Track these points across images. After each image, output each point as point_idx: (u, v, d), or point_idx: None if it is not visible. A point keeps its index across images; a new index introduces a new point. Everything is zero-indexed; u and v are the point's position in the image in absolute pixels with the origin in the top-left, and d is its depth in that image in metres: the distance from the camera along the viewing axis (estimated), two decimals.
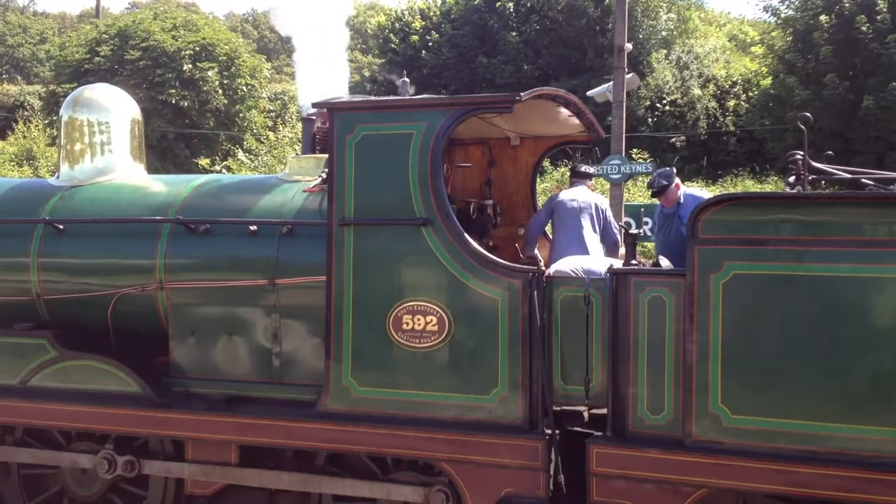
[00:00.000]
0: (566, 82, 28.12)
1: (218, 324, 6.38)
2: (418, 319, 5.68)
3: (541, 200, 8.25)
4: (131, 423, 6.35)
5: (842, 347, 4.87)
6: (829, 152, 6.98)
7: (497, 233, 7.54)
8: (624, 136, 20.03)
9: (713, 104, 30.29)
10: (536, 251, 7.32)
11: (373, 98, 7.69)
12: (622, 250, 7.18)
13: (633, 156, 24.32)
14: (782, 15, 26.32)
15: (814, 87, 23.51)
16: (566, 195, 7.63)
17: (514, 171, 7.87)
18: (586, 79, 28.17)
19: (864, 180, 6.09)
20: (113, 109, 7.35)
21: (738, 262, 5.06)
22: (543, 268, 5.70)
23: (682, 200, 7.26)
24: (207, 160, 27.36)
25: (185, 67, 27.55)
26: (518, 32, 30.97)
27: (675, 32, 33.21)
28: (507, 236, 7.65)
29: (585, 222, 7.41)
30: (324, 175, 6.32)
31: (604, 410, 5.54)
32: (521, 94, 5.68)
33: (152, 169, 10.25)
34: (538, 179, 8.71)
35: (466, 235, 5.67)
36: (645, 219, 17.87)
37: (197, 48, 28.16)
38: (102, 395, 6.44)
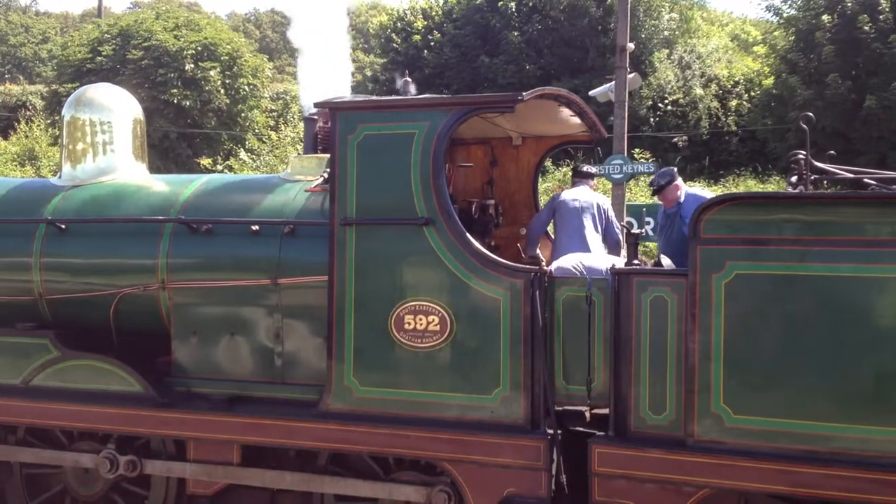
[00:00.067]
0: (568, 82, 28.09)
1: (220, 323, 6.39)
2: (420, 319, 5.68)
3: (542, 200, 8.24)
4: (133, 422, 6.35)
5: (844, 347, 4.86)
6: (832, 152, 6.97)
7: (499, 232, 7.54)
8: (626, 135, 20.01)
9: (715, 104, 30.27)
10: (538, 251, 7.31)
11: (375, 98, 7.70)
12: (624, 250, 7.18)
13: (635, 156, 24.29)
14: (784, 14, 26.29)
15: (816, 86, 23.49)
16: (568, 195, 7.63)
17: (516, 170, 7.87)
18: (588, 78, 28.13)
19: (866, 180, 6.09)
20: (115, 109, 7.36)
21: (740, 261, 5.05)
22: (545, 268, 5.70)
23: (681, 200, 7.25)
24: (209, 160, 27.35)
25: (187, 67, 27.55)
26: (520, 32, 30.94)
27: (677, 32, 33.19)
28: (508, 236, 7.65)
29: (587, 222, 7.41)
30: (326, 175, 6.32)
31: (606, 410, 5.53)
32: (523, 93, 5.68)
33: (154, 169, 10.24)
34: (540, 179, 8.71)
35: (468, 235, 5.67)
36: (647, 219, 17.81)
37: (199, 48, 28.16)
38: (104, 394, 6.45)
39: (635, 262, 5.73)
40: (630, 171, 19.52)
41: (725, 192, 12.86)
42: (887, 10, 23.03)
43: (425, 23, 33.59)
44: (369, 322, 5.77)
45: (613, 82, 19.85)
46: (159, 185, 7.09)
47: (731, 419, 5.06)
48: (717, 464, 5.08)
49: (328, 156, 6.23)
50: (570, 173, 9.58)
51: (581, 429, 5.83)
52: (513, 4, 31.32)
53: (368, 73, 35.73)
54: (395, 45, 33.84)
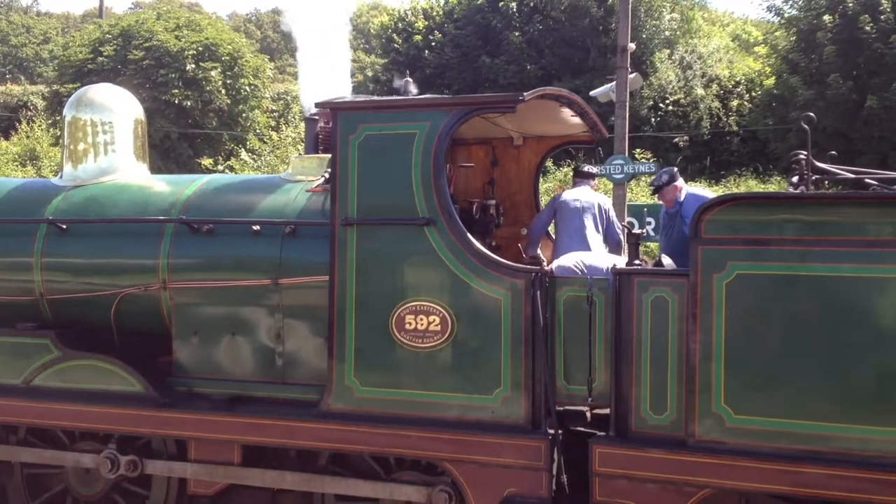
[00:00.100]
0: (569, 82, 28.08)
1: (221, 323, 6.39)
2: (421, 319, 5.68)
3: (543, 200, 8.24)
4: (134, 422, 6.36)
5: (845, 347, 4.86)
6: (833, 152, 6.97)
7: (500, 233, 7.54)
8: (627, 136, 20.00)
9: (716, 104, 30.26)
10: (539, 251, 7.31)
11: (376, 98, 7.70)
12: (625, 250, 7.18)
13: (636, 156, 24.27)
14: (786, 15, 26.29)
15: (817, 86, 23.48)
16: (569, 195, 7.63)
17: (517, 170, 7.87)
18: (589, 79, 28.11)
19: (867, 180, 6.08)
20: (116, 109, 7.36)
21: (741, 262, 5.06)
22: (546, 268, 5.70)
23: (681, 199, 7.24)
24: (210, 160, 27.37)
25: (188, 67, 27.56)
26: (521, 32, 30.94)
27: (678, 32, 33.18)
28: (509, 236, 7.65)
29: (588, 222, 7.40)
30: (327, 175, 6.31)
31: (606, 410, 5.54)
32: (525, 94, 5.68)
33: (155, 169, 10.24)
34: (541, 179, 8.71)
35: (469, 235, 5.68)
36: (648, 219, 17.80)
37: (200, 48, 28.17)
38: (105, 394, 6.45)
39: (636, 262, 5.73)
40: (631, 172, 19.50)
41: (726, 193, 12.86)
42: (888, 10, 23.02)
43: (426, 23, 33.60)
44: (370, 322, 5.77)
45: (614, 82, 19.83)
46: (160, 185, 7.09)
47: (732, 419, 5.06)
48: (718, 464, 5.09)
49: (329, 156, 6.24)
50: (571, 173, 9.58)
51: (582, 429, 5.83)
52: (514, 5, 31.31)
53: (369, 74, 35.73)
54: (396, 45, 33.85)
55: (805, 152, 5.89)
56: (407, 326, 5.70)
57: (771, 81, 27.03)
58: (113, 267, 6.67)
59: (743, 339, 5.04)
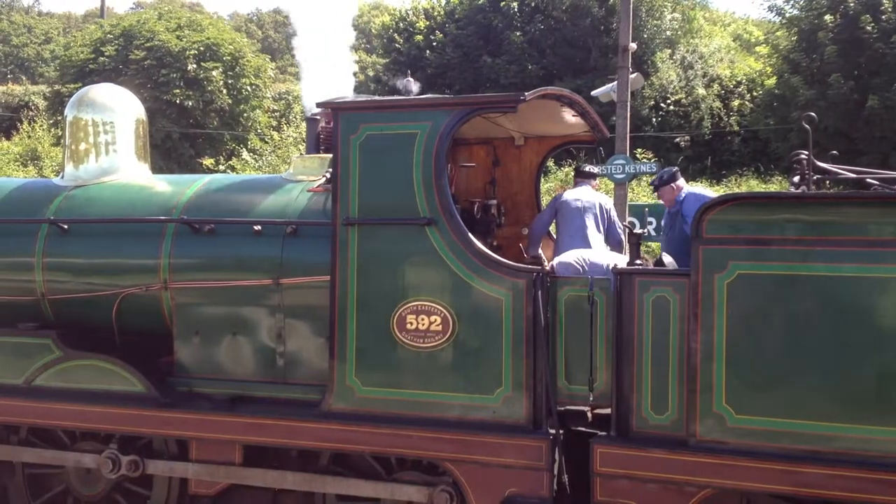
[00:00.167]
0: (570, 82, 28.09)
1: (222, 323, 6.39)
2: (422, 319, 5.68)
3: (545, 200, 8.24)
4: (135, 422, 6.36)
5: (846, 347, 4.86)
6: (834, 152, 6.97)
7: (501, 233, 7.54)
8: (628, 135, 19.99)
9: (717, 104, 30.26)
10: (540, 251, 7.31)
11: (377, 98, 7.70)
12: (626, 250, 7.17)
13: (638, 156, 24.28)
14: (787, 14, 26.29)
15: (818, 86, 23.48)
16: (570, 195, 7.63)
17: (519, 170, 7.87)
18: (590, 79, 28.12)
19: (868, 180, 6.08)
20: (117, 109, 7.36)
21: (742, 262, 5.05)
22: (547, 268, 5.69)
23: (680, 199, 7.23)
24: (212, 160, 27.39)
25: (189, 67, 27.58)
26: (522, 32, 30.94)
27: (679, 32, 33.18)
28: (510, 236, 7.64)
29: (589, 222, 7.41)
30: (328, 175, 6.31)
31: (608, 410, 5.54)
32: (526, 93, 5.67)
33: (157, 169, 10.25)
34: (542, 179, 8.72)
35: (470, 235, 5.67)
36: (649, 219, 17.82)
37: (201, 48, 28.18)
38: (107, 394, 6.45)
39: (637, 262, 5.72)
40: (632, 172, 19.50)
41: (728, 192, 12.86)
42: (890, 10, 23.02)
43: (427, 23, 33.61)
44: (371, 322, 5.77)
45: (616, 82, 19.82)
46: (162, 185, 7.09)
47: (734, 419, 5.06)
48: (720, 464, 5.08)
49: (330, 156, 6.24)
50: (573, 173, 9.58)
51: (583, 429, 5.83)
52: (515, 4, 31.32)
53: (371, 74, 35.72)
54: (397, 45, 33.86)
55: (806, 152, 5.89)
56: (408, 326, 5.70)
57: (772, 81, 27.03)
58: (114, 267, 6.67)
59: (744, 338, 5.04)
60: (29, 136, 30.09)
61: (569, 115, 7.00)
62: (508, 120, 7.03)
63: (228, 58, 28.89)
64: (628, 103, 19.87)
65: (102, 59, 27.95)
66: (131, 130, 7.41)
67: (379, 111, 5.94)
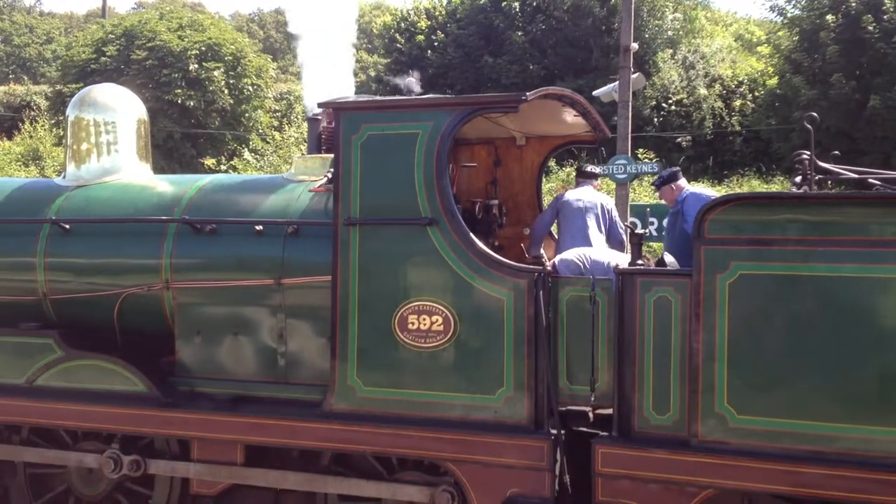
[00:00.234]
0: (572, 82, 28.08)
1: (223, 323, 6.39)
2: (424, 319, 5.68)
3: (546, 200, 8.24)
4: (137, 422, 6.36)
5: (848, 348, 4.86)
6: (836, 152, 6.96)
7: (502, 233, 7.54)
8: (630, 135, 19.98)
9: (719, 104, 30.25)
10: (542, 251, 7.31)
11: (378, 98, 7.70)
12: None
13: (639, 156, 24.27)
14: (788, 14, 26.28)
15: (820, 86, 23.46)
16: (572, 195, 7.62)
17: (520, 170, 7.87)
18: (592, 78, 28.11)
19: (870, 180, 6.08)
20: (119, 109, 7.37)
21: (744, 262, 5.05)
22: (549, 268, 5.69)
23: (680, 199, 7.23)
24: (213, 160, 27.40)
25: (190, 67, 27.58)
26: (524, 32, 30.94)
27: (681, 32, 33.17)
28: (512, 236, 7.64)
29: (591, 222, 7.40)
30: (329, 175, 6.32)
31: (609, 410, 5.54)
32: (527, 93, 5.67)
33: (158, 169, 10.26)
34: (544, 179, 8.72)
35: (472, 235, 5.67)
36: (651, 219, 17.82)
37: (203, 48, 28.18)
38: (108, 394, 6.45)
39: (639, 262, 5.72)
40: (634, 172, 19.49)
41: (729, 193, 12.85)
42: (891, 10, 23.01)
43: (429, 23, 33.61)
44: (373, 322, 5.77)
45: (617, 82, 19.82)
46: (163, 185, 7.09)
47: (735, 419, 5.06)
48: (721, 464, 5.08)
49: (332, 156, 6.24)
50: (574, 173, 9.58)
51: (584, 429, 5.83)
52: (516, 4, 31.32)
53: (372, 74, 35.73)
54: (398, 45, 33.86)
55: (808, 152, 5.89)
56: (410, 326, 5.70)
57: (774, 81, 27.02)
58: (116, 267, 6.67)
59: (746, 339, 5.03)
60: (30, 136, 30.10)
61: (570, 116, 7.00)
62: (510, 120, 7.03)
63: (230, 58, 28.89)
64: (630, 103, 19.86)
65: (104, 59, 27.95)
66: (133, 130, 7.42)
67: (380, 111, 5.94)
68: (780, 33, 26.86)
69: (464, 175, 7.45)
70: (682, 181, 7.38)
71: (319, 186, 6.43)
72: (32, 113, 33.03)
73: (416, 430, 5.71)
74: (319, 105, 6.34)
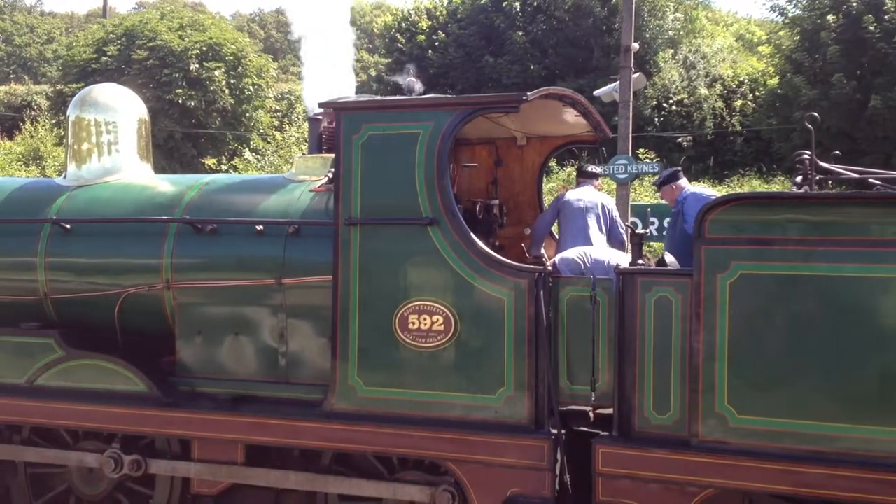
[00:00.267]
0: (573, 82, 28.08)
1: (224, 323, 6.39)
2: (424, 319, 5.68)
3: (547, 200, 8.24)
4: (138, 422, 6.36)
5: (849, 348, 4.86)
6: (837, 152, 6.96)
7: (503, 233, 7.54)
8: (630, 135, 19.98)
9: (720, 104, 30.25)
10: (542, 251, 7.31)
11: (379, 98, 7.70)
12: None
13: (640, 156, 24.26)
14: (789, 14, 26.29)
15: (821, 86, 23.47)
16: (572, 195, 7.62)
17: (521, 170, 7.87)
18: (593, 78, 28.10)
19: (871, 180, 6.08)
20: (120, 109, 7.37)
21: (745, 261, 5.05)
22: (549, 268, 5.69)
23: (681, 198, 7.22)
24: (214, 160, 27.41)
25: (191, 67, 27.59)
26: (524, 32, 30.94)
27: (681, 32, 33.15)
28: (513, 236, 7.64)
29: (592, 222, 7.40)
30: (330, 175, 6.32)
31: (610, 410, 5.54)
32: (528, 93, 5.68)
33: (159, 168, 10.27)
34: (544, 179, 8.72)
35: (473, 235, 5.67)
36: (651, 219, 17.81)
37: (204, 48, 28.20)
38: (109, 394, 6.45)
39: (639, 262, 5.72)
40: (634, 172, 19.49)
41: (730, 192, 12.85)
42: (892, 10, 23.02)
43: (430, 23, 33.61)
44: (373, 322, 5.78)
45: (618, 82, 19.81)
46: (164, 185, 7.09)
47: (736, 419, 5.06)
48: (722, 464, 5.08)
49: (333, 156, 6.24)
50: (575, 173, 9.57)
51: (585, 429, 5.84)
52: (517, 4, 31.32)
53: (373, 74, 35.73)
54: (399, 45, 33.86)
55: (809, 152, 5.89)
56: (410, 326, 5.70)
57: (774, 81, 27.03)
58: (116, 267, 6.67)
59: (747, 339, 5.03)
60: (31, 136, 30.11)
61: (571, 115, 7.00)
62: (511, 120, 7.03)
63: (231, 58, 28.91)
64: (630, 103, 19.86)
65: (105, 58, 27.97)
66: (134, 130, 7.42)
67: (381, 111, 5.94)
68: (780, 33, 26.87)
69: (465, 175, 7.45)
70: (683, 181, 7.37)
71: (320, 186, 6.43)
72: (33, 113, 33.04)
73: (416, 429, 5.71)
74: (320, 105, 6.34)
